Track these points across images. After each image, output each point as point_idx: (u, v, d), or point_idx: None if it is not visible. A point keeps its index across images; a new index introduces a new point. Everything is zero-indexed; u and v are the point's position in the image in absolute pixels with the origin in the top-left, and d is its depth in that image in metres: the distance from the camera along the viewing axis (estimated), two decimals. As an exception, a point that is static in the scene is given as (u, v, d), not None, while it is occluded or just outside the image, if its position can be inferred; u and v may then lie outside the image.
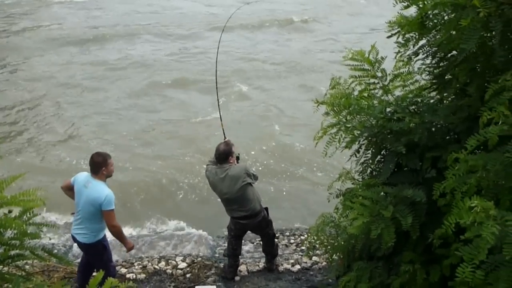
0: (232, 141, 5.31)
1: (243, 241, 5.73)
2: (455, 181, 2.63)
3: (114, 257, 6.32)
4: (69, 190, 4.62)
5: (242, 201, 5.09)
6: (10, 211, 2.89)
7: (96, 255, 4.68)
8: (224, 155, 5.09)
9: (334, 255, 4.73)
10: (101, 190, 4.42)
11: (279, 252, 6.08)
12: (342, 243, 4.53)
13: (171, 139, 10.00)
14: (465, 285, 2.53)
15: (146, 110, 11.37)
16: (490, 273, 2.44)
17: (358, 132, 3.77)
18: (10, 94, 12.29)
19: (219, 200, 5.35)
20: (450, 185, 2.65)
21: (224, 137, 5.55)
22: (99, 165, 4.46)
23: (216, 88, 6.01)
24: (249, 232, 5.61)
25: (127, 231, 6.93)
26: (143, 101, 11.87)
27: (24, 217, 2.94)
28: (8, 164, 8.54)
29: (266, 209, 5.42)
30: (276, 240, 5.80)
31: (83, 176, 4.55)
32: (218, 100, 6.14)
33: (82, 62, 14.52)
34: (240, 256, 5.72)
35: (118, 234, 4.62)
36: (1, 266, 3.02)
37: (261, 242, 5.82)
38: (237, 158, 5.40)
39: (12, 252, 2.95)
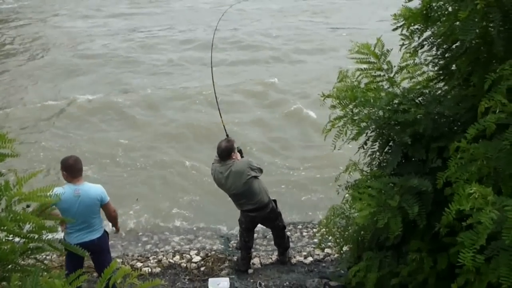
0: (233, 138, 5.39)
1: (255, 234, 5.81)
2: (457, 170, 2.68)
3: (130, 251, 6.50)
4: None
5: (249, 195, 5.16)
6: (28, 206, 3.02)
7: (105, 245, 4.77)
8: (226, 152, 5.15)
9: (344, 246, 4.79)
10: (92, 187, 4.53)
11: (292, 245, 6.15)
12: (353, 234, 4.59)
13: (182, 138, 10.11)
14: (471, 272, 2.59)
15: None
16: (492, 259, 2.50)
17: (365, 124, 3.81)
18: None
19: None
20: (453, 173, 2.70)
21: (226, 134, 5.56)
22: (81, 169, 4.55)
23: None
24: (260, 225, 5.70)
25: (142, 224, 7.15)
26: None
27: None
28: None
29: (275, 201, 5.49)
30: (287, 232, 5.86)
31: (64, 192, 4.26)
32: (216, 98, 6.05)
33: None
34: (253, 249, 5.81)
35: (116, 217, 4.84)
36: (21, 259, 3.16)
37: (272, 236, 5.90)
38: (240, 152, 5.43)
39: (31, 245, 3.08)
